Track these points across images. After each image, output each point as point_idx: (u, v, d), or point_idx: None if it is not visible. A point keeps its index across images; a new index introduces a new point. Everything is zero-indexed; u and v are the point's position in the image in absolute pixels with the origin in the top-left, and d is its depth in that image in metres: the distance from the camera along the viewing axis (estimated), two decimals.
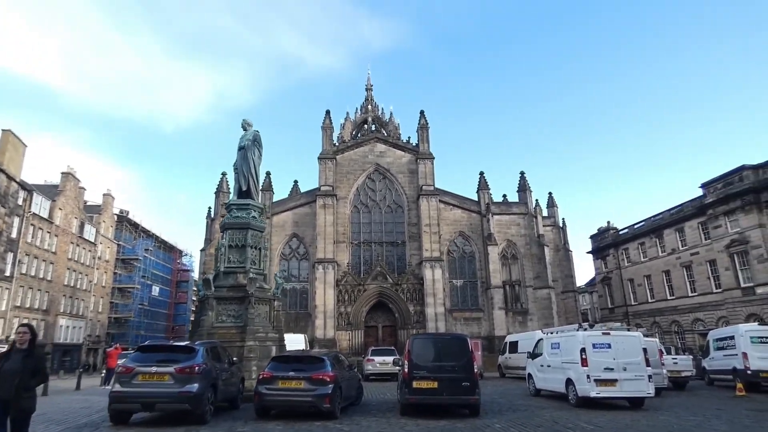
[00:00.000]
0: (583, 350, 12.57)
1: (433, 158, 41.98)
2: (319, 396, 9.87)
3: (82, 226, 53.78)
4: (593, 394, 12.10)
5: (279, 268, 39.99)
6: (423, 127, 43.00)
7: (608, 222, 52.38)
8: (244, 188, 16.74)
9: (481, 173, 43.11)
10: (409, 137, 43.77)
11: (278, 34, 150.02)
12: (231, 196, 16.83)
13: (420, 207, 40.22)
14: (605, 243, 49.98)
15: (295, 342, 27.38)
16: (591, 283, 66.41)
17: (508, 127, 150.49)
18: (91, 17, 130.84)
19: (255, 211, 16.45)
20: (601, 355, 12.50)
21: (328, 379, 10.13)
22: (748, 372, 16.97)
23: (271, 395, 10.02)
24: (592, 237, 53.79)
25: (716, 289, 35.23)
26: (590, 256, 53.61)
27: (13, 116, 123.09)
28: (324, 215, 39.34)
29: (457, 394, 10.43)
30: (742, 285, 32.65)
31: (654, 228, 42.53)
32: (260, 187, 17.18)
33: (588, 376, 12.29)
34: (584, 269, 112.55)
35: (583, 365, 12.46)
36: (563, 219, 46.69)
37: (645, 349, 12.68)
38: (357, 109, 67.61)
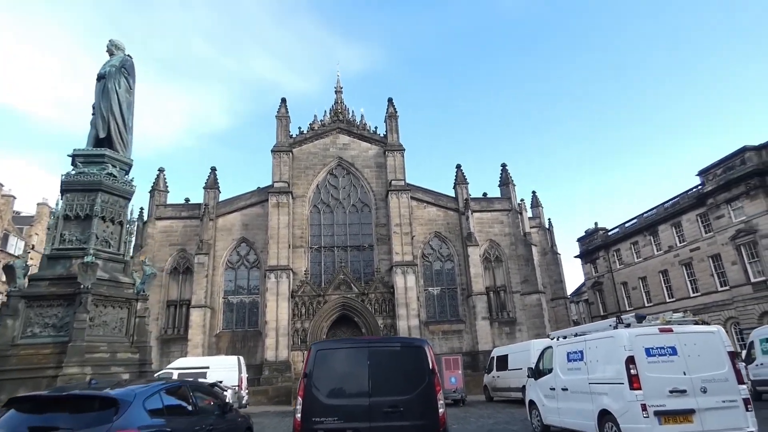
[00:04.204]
0: (630, 361, 7.24)
1: (404, 150, 36.91)
2: None
3: (5, 239, 47.12)
4: None
5: (224, 278, 33.92)
6: (391, 116, 38.05)
7: (596, 223, 48.59)
8: (101, 134, 11.17)
9: (458, 166, 38.14)
10: (376, 127, 38.72)
11: (253, 60, 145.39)
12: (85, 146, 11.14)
13: (389, 205, 34.89)
14: (594, 245, 46.36)
15: (224, 367, 21.35)
16: (578, 292, 62.28)
17: (485, 126, 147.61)
18: (60, 41, 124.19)
19: (114, 166, 10.85)
20: (663, 367, 7.21)
21: None
22: None
23: None
24: (579, 240, 50.12)
25: (722, 287, 31.61)
26: (577, 261, 49.62)
27: None
28: (278, 215, 33.62)
29: None
30: (753, 280, 29.07)
31: (647, 225, 39.11)
32: (131, 135, 11.59)
33: (644, 407, 6.93)
34: (571, 276, 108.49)
35: (632, 387, 7.12)
36: (549, 219, 42.12)
37: (733, 354, 7.42)
38: (325, 112, 62.48)
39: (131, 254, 32.70)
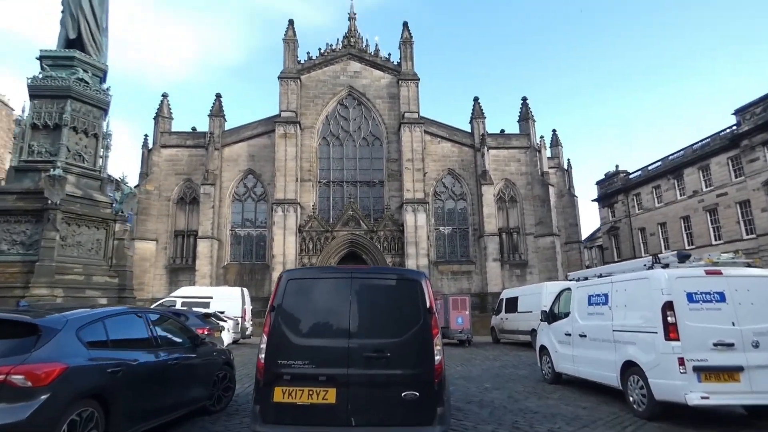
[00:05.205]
0: (668, 307, 6.13)
1: (418, 80, 34.61)
2: None
3: None
4: (695, 400, 5.74)
5: (231, 210, 33.33)
6: (406, 42, 35.36)
7: (616, 166, 46.46)
8: (71, 35, 9.85)
9: (476, 99, 35.88)
10: (389, 54, 36.18)
11: None
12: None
13: (401, 138, 33.24)
14: (613, 189, 44.71)
15: (227, 297, 20.98)
16: (591, 237, 61.22)
17: (506, 62, 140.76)
18: None
19: (86, 71, 9.60)
20: (707, 316, 6.09)
21: (31, 383, 3.61)
22: None
23: None
24: (598, 183, 48.29)
25: (748, 234, 30.22)
26: (593, 205, 48.18)
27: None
28: (285, 147, 32.30)
29: (387, 422, 4.04)
30: None
31: (672, 168, 37.17)
32: (106, 38, 10.19)
33: (681, 361, 5.91)
34: (585, 221, 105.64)
35: (668, 337, 6.06)
36: (568, 160, 40.13)
37: None
38: (338, 40, 59.30)
39: (137, 183, 32.29)
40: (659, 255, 7.08)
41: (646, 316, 6.54)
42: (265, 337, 4.28)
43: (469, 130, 35.45)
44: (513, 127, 36.88)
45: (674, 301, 6.16)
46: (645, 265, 7.08)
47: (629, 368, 6.77)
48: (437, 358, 4.24)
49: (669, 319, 6.09)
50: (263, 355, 4.21)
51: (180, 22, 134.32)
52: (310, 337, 4.32)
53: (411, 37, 35.36)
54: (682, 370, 5.88)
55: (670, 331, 6.06)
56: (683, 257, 6.69)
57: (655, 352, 6.26)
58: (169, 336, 5.88)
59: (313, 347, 4.24)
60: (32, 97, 9.34)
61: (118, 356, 4.66)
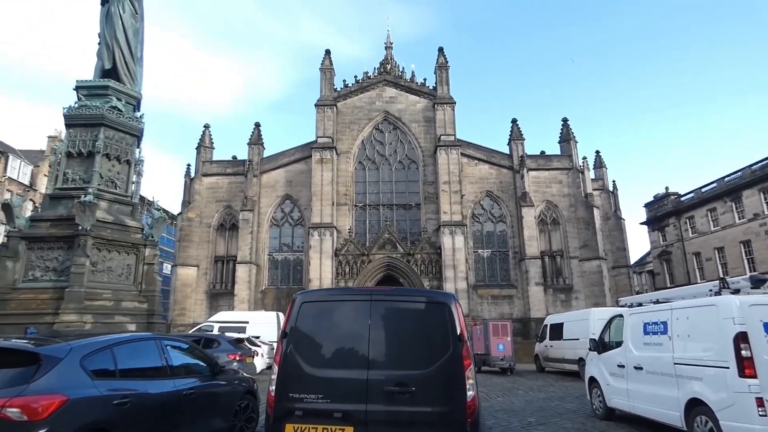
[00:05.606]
0: (741, 338, 5.33)
1: (454, 103, 34.40)
2: None
3: None
4: None
5: (268, 235, 33.74)
6: (442, 67, 35.38)
7: (666, 188, 44.30)
8: (107, 65, 10.17)
9: (514, 120, 35.21)
10: (425, 79, 36.26)
11: (304, 25, 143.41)
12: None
13: (438, 161, 32.91)
14: (664, 211, 42.40)
15: (263, 322, 20.93)
16: (641, 262, 58.10)
17: (545, 84, 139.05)
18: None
19: (119, 99, 9.84)
20: None
21: (27, 417, 3.37)
22: None
23: None
24: (646, 205, 46.10)
25: None
26: (641, 229, 45.74)
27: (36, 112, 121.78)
28: (321, 172, 32.61)
29: None
30: None
31: (729, 190, 34.93)
32: (141, 67, 10.46)
33: (760, 402, 5.08)
34: (633, 245, 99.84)
35: (743, 374, 5.25)
36: (614, 182, 38.52)
37: None
38: (374, 68, 60.54)
39: (180, 211, 33.27)
40: (728, 279, 6.24)
41: (713, 348, 5.73)
42: (276, 367, 3.90)
43: (508, 152, 34.73)
44: (553, 149, 35.92)
45: (749, 333, 5.35)
46: (711, 291, 6.27)
47: (695, 407, 5.93)
48: (470, 393, 3.70)
49: (743, 352, 5.28)
50: (273, 387, 3.82)
51: (227, 60, 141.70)
52: (325, 367, 3.90)
53: (446, 61, 35.39)
54: (761, 412, 5.04)
55: (746, 366, 5.24)
56: (758, 282, 5.86)
57: (726, 390, 5.43)
58: (185, 363, 5.59)
59: (328, 379, 3.81)
60: (68, 126, 9.68)
61: (127, 386, 4.39)
